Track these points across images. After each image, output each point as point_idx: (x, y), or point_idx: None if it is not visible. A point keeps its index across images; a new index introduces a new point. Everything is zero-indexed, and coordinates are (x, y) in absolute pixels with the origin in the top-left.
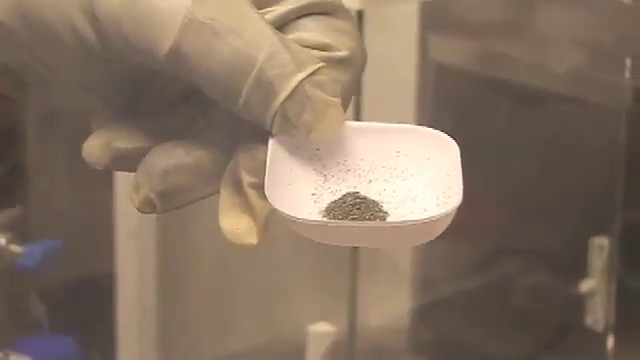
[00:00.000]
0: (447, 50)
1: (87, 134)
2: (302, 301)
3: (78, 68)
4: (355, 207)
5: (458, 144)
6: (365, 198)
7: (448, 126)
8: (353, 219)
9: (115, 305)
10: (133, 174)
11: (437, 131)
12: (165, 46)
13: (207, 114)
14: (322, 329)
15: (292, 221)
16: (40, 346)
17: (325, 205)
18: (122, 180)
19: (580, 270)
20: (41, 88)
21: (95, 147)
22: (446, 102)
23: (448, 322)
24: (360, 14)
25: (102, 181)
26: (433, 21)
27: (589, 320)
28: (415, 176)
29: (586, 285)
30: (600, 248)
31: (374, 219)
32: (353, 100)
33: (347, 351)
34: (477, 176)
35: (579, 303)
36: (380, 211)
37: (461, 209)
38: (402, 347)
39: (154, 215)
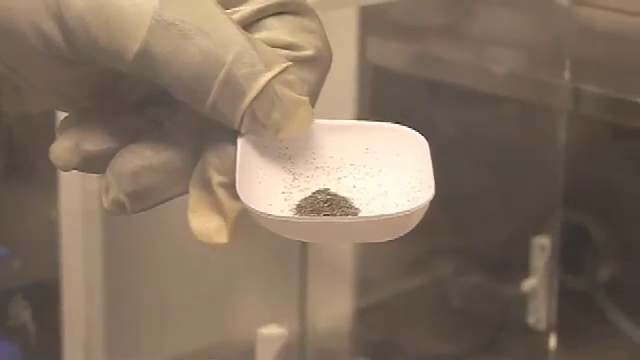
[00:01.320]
0: (386, 53)
1: (52, 137)
2: (252, 303)
3: (44, 71)
4: (326, 204)
5: None
6: (336, 195)
7: None
8: (325, 215)
9: (60, 310)
10: (101, 175)
11: (405, 127)
12: (133, 48)
13: (174, 114)
14: (272, 331)
15: (264, 218)
16: None
17: (296, 203)
18: (66, 183)
19: (522, 269)
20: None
21: (63, 149)
22: (385, 104)
23: (389, 323)
24: None
25: (46, 184)
26: (372, 24)
27: (531, 319)
28: (384, 172)
29: (528, 284)
30: (541, 248)
31: (345, 215)
32: None
33: (297, 353)
34: None
35: (521, 302)
36: (351, 207)
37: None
38: (348, 349)
39: (99, 217)
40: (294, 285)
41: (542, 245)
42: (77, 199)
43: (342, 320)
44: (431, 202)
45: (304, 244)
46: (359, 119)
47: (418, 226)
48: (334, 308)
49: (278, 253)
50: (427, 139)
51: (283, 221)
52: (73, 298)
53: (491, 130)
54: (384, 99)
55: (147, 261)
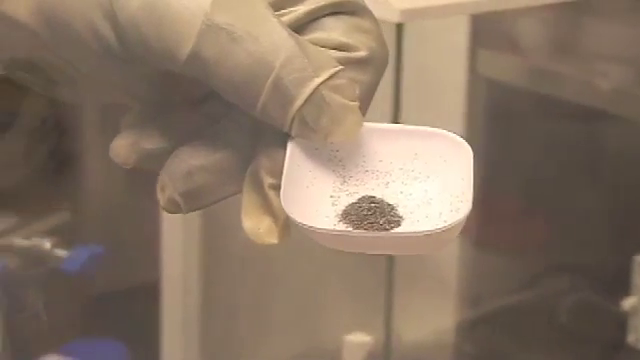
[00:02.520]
0: (496, 65)
1: (116, 133)
2: (339, 310)
3: (103, 69)
4: (370, 212)
5: (505, 159)
6: (381, 202)
7: (496, 141)
8: (369, 224)
9: (160, 312)
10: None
11: (453, 134)
12: (184, 51)
13: (230, 115)
14: (358, 339)
15: (303, 228)
16: (91, 350)
17: (342, 208)
18: None
19: (623, 288)
20: (71, 85)
21: (122, 147)
22: (494, 117)
23: (492, 338)
24: (399, 28)
25: (149, 185)
26: (482, 36)
27: (631, 338)
28: (432, 178)
29: (629, 303)
30: None
31: (389, 224)
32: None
33: None
34: (524, 192)
35: (621, 321)
36: (395, 215)
37: (508, 226)
38: None
39: (198, 223)
40: (382, 293)
41: None
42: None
43: (436, 331)
44: (538, 218)
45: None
46: (469, 131)
47: (525, 242)
48: (427, 319)
49: (366, 261)
50: (533, 153)
51: (320, 232)
52: (172, 301)
53: (597, 146)
54: (493, 111)
55: (241, 268)
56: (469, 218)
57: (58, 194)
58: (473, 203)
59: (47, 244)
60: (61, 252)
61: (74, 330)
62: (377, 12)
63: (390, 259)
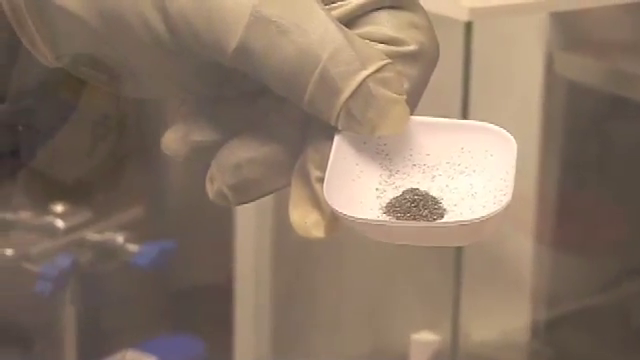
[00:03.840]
0: (574, 66)
1: (167, 126)
2: (406, 309)
3: (155, 62)
4: (413, 204)
5: (583, 160)
6: (424, 195)
7: (574, 142)
8: (411, 216)
9: (232, 308)
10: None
11: (499, 128)
12: (232, 43)
13: (280, 109)
14: (425, 338)
15: (345, 219)
16: (169, 345)
17: (387, 201)
18: None
19: None
20: (133, 80)
21: (172, 140)
22: (572, 119)
23: (568, 340)
24: (468, 26)
25: None
26: (560, 36)
27: None
28: (478, 172)
29: None
30: None
31: (431, 217)
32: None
33: None
34: (605, 193)
35: None
36: (439, 208)
37: (588, 226)
38: None
39: (271, 220)
40: (449, 292)
41: None
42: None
43: (508, 331)
44: (619, 219)
45: (459, 252)
46: (544, 132)
47: (605, 243)
48: (499, 318)
49: (434, 260)
50: (613, 155)
51: (362, 223)
52: (245, 297)
53: None
54: (571, 113)
55: (310, 267)
56: (547, 218)
57: (131, 189)
58: (551, 202)
59: (120, 239)
60: (133, 247)
61: (148, 325)
62: (444, 10)
63: (458, 258)
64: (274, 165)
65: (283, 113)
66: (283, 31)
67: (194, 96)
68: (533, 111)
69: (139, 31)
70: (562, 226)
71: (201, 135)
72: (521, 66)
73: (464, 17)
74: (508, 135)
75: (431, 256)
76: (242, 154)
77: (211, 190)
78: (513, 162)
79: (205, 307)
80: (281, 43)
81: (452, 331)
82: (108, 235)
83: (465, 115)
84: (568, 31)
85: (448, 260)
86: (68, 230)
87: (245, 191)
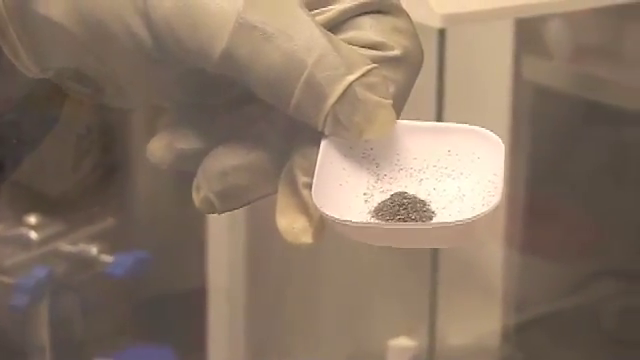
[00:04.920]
0: (542, 70)
1: (152, 134)
2: (383, 315)
3: (139, 70)
4: (402, 207)
5: (551, 163)
6: (413, 197)
7: (542, 146)
8: (400, 219)
9: (206, 316)
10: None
11: (486, 130)
12: (217, 49)
13: (266, 115)
14: (403, 343)
15: (335, 223)
16: (139, 356)
17: (375, 205)
18: None
19: None
20: (117, 92)
21: (157, 148)
22: (540, 122)
23: (538, 343)
24: (442, 33)
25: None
26: (527, 41)
27: None
28: (465, 175)
29: None
30: None
31: (420, 219)
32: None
33: None
34: (574, 197)
35: None
36: (427, 211)
37: (557, 230)
38: None
39: (244, 227)
40: (426, 298)
41: None
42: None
43: (480, 336)
44: (588, 223)
45: (435, 258)
46: (514, 136)
47: (575, 246)
48: (472, 323)
49: (410, 265)
50: (582, 159)
51: (352, 226)
52: (218, 305)
53: None
54: (540, 117)
55: (285, 273)
56: (516, 222)
57: (104, 200)
58: (520, 206)
59: (93, 250)
60: (107, 258)
61: (121, 335)
62: (418, 17)
63: (434, 264)
64: (260, 172)
65: (269, 120)
66: (268, 37)
67: (176, 105)
68: (502, 115)
69: (122, 38)
70: (531, 230)
71: (186, 143)
72: (490, 71)
73: (437, 24)
74: (495, 137)
75: (407, 262)
76: (228, 161)
77: (197, 198)
78: (501, 164)
79: (179, 317)
80: (266, 49)
81: (429, 336)
82: (82, 246)
83: (439, 121)
84: (535, 36)
85: (424, 266)
86: (42, 242)
87: (231, 198)
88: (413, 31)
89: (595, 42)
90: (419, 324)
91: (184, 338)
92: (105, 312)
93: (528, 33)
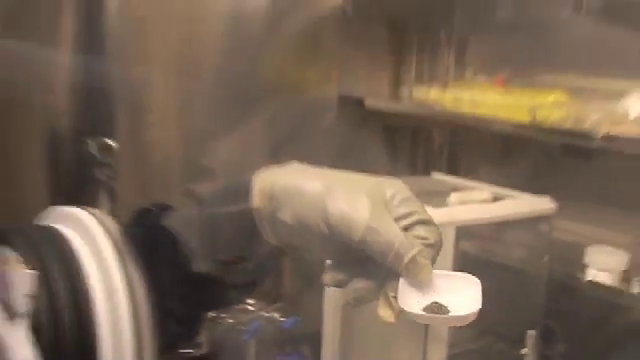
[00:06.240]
0: None
1: (323, 271)
2: None
3: (321, 242)
4: (437, 307)
5: None
6: (439, 304)
7: None
8: (434, 312)
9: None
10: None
11: (469, 275)
12: (357, 237)
13: (377, 265)
14: None
15: (410, 314)
16: None
17: (426, 304)
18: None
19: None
20: (309, 252)
21: (327, 277)
22: None
23: None
24: (457, 230)
25: None
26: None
27: None
28: (461, 295)
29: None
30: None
31: (444, 313)
32: None
33: None
34: None
35: None
36: (446, 310)
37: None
38: None
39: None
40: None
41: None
42: None
43: None
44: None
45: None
46: None
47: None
48: None
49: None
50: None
51: (416, 315)
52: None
53: None
54: None
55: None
56: None
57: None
58: None
59: (276, 315)
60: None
61: None
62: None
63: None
64: (372, 290)
65: (379, 267)
66: (380, 233)
67: (336, 259)
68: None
69: (314, 229)
70: None
71: (339, 275)
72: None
73: (453, 227)
74: (474, 278)
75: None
76: (359, 284)
77: (345, 299)
78: (479, 293)
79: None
80: (378, 238)
81: None
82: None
83: None
84: None
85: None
86: (255, 311)
87: (360, 301)
88: (438, 229)
89: None
90: None
91: None
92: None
93: None
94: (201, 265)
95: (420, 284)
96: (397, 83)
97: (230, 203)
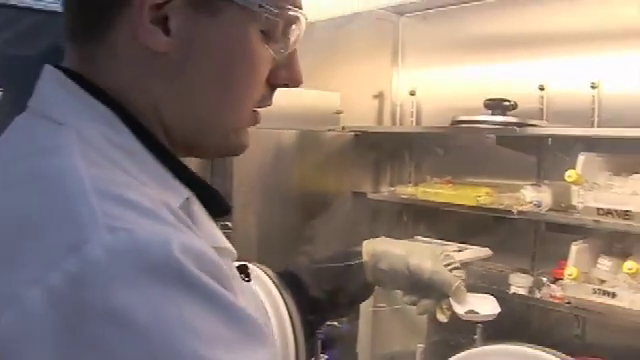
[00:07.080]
0: None
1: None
2: None
3: (403, 282)
4: (471, 312)
5: None
6: (473, 310)
7: None
8: (473, 314)
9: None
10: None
11: (491, 297)
12: (426, 276)
13: (437, 290)
14: None
15: (460, 315)
16: None
17: (465, 310)
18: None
19: None
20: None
21: (406, 300)
22: None
23: None
24: None
25: None
26: None
27: None
28: (486, 304)
29: None
30: None
31: (477, 314)
32: None
33: None
34: None
35: None
36: (477, 312)
37: None
38: None
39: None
40: None
41: None
42: None
43: None
44: None
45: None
46: None
47: None
48: None
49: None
50: None
51: (462, 316)
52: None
53: None
54: None
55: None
56: None
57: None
58: None
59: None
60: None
61: None
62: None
63: (428, 335)
64: (431, 305)
65: (436, 292)
66: (438, 273)
67: (411, 288)
68: None
69: (400, 273)
70: None
71: (413, 298)
72: None
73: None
74: (490, 296)
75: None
76: (424, 302)
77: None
78: (496, 304)
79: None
80: (438, 277)
81: None
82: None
83: None
84: None
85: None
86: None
87: (424, 312)
88: (464, 270)
89: None
90: None
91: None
92: None
93: None
94: (320, 294)
95: (461, 300)
96: (377, 184)
97: (342, 261)
